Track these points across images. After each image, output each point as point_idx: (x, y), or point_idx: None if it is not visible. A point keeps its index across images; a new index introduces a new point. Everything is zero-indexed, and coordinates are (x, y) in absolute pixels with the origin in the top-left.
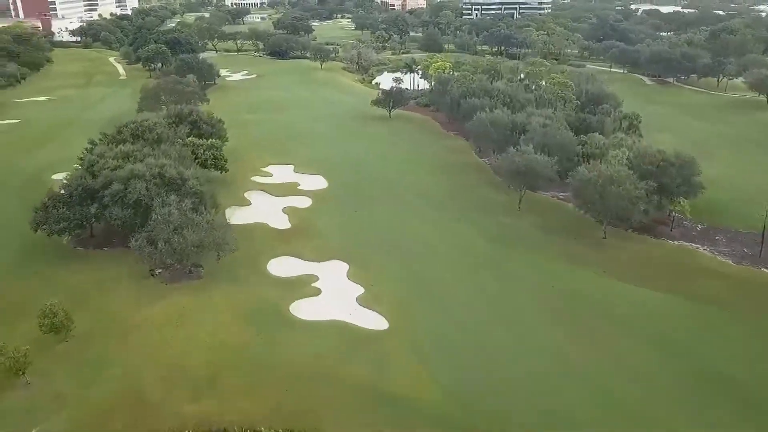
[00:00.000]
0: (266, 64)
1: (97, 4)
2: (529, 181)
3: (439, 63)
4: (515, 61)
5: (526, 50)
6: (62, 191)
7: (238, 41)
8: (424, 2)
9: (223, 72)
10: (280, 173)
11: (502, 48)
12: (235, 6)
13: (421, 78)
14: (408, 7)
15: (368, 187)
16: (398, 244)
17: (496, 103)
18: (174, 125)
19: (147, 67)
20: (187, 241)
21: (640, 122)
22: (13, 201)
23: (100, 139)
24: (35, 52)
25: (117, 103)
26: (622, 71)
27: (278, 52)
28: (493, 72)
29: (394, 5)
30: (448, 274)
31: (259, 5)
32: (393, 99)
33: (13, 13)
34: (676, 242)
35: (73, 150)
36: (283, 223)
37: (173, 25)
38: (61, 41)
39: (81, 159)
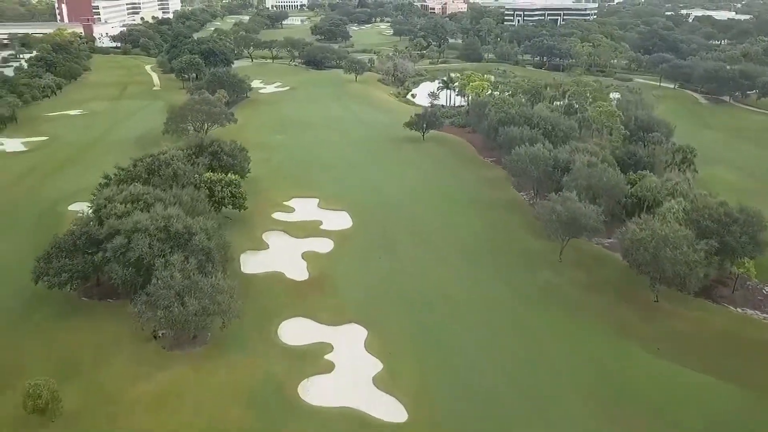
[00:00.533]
0: (300, 75)
1: (140, 8)
2: (573, 232)
3: (477, 83)
4: (558, 74)
5: (570, 61)
6: (69, 236)
7: (274, 50)
8: (465, 6)
9: (256, 83)
10: (304, 208)
11: (545, 58)
12: (275, 8)
13: (457, 95)
14: (448, 11)
15: (394, 226)
16: (422, 302)
17: (536, 134)
18: (194, 156)
19: (180, 78)
20: (188, 310)
21: (695, 156)
22: (26, 237)
23: (115, 174)
24: (74, 60)
25: (147, 119)
26: (672, 87)
27: (313, 62)
28: (534, 92)
29: (434, 9)
30: (473, 344)
31: (299, 7)
32: (427, 121)
33: (58, 18)
34: (739, 309)
35: (94, 176)
36: (300, 272)
37: (212, 29)
38: (102, 47)
39: (93, 196)
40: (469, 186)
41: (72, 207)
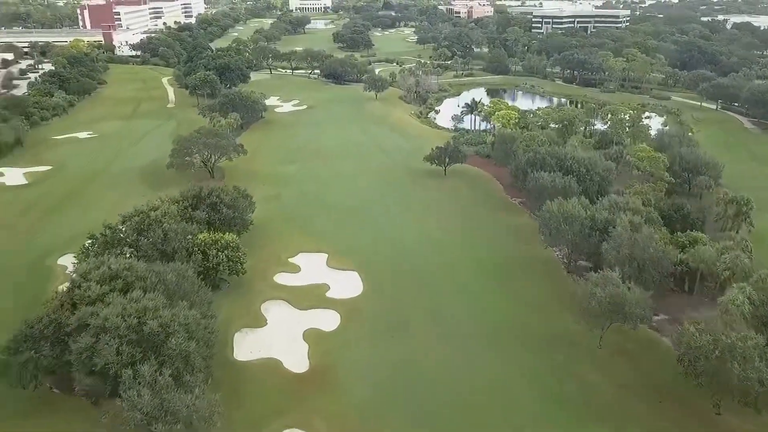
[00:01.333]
0: (319, 91)
1: (163, 13)
2: (614, 318)
3: (504, 112)
4: (590, 89)
5: (603, 75)
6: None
7: (293, 62)
8: (491, 10)
9: (272, 100)
10: (310, 267)
11: (575, 72)
12: (298, 11)
13: (482, 120)
14: (474, 15)
15: (409, 296)
16: (433, 408)
17: (570, 181)
18: (190, 209)
19: (194, 95)
20: None
21: (751, 208)
22: (8, 298)
23: (102, 234)
24: (89, 74)
25: (156, 143)
26: (714, 108)
27: (333, 75)
28: (566, 124)
29: (459, 12)
30: None
31: (322, 10)
32: (449, 155)
33: (80, 24)
34: None
35: (92, 217)
36: (300, 360)
37: (235, 34)
38: (121, 56)
39: (75, 262)
40: (495, 238)
41: (61, 260)
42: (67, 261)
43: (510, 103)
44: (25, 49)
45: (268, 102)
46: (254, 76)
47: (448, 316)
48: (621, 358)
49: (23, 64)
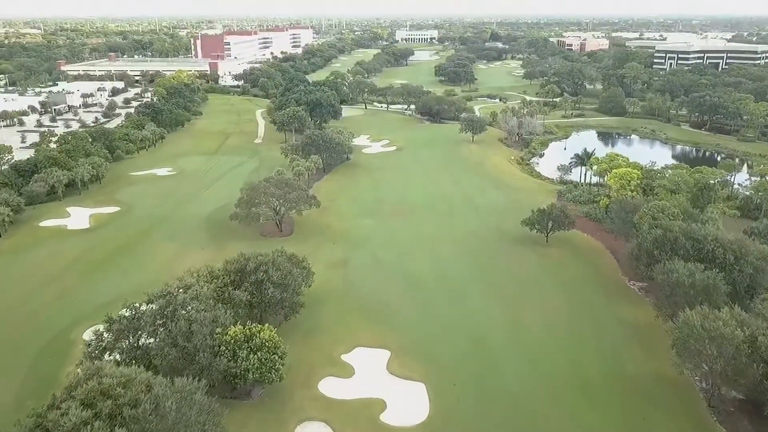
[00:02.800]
0: (412, 129)
1: (272, 43)
2: None
3: (623, 170)
4: (725, 137)
5: (740, 121)
6: None
7: (388, 97)
8: (607, 43)
9: (362, 139)
10: (367, 370)
11: (705, 117)
12: (404, 41)
13: (594, 176)
14: (587, 48)
15: (489, 427)
16: None
17: (714, 277)
18: (230, 287)
19: (283, 131)
20: None
21: None
22: (18, 377)
23: (119, 318)
24: (185, 105)
25: (232, 184)
26: None
27: (429, 113)
28: (702, 188)
29: (571, 45)
30: None
31: (428, 40)
32: (552, 220)
33: (192, 54)
34: None
35: (136, 279)
36: None
37: (338, 65)
38: (223, 86)
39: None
40: (610, 342)
41: (87, 333)
42: (92, 334)
43: (624, 150)
44: (136, 78)
45: (357, 141)
46: (349, 111)
47: None
48: None
49: (132, 92)
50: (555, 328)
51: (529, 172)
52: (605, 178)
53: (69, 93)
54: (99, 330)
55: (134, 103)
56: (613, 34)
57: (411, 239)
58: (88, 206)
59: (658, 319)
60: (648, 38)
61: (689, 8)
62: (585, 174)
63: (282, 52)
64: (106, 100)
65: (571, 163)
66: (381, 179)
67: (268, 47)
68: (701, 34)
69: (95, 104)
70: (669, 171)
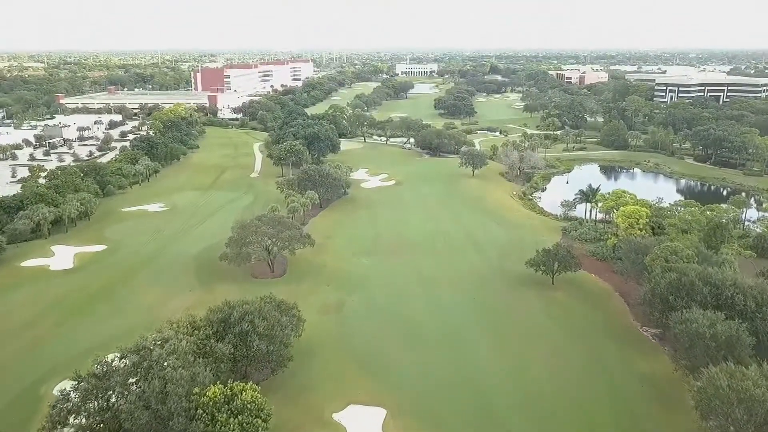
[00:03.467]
0: (412, 164)
1: (272, 76)
2: None
3: (631, 208)
4: (729, 170)
5: (745, 155)
6: None
7: (388, 130)
8: (606, 76)
9: (360, 173)
10: (359, 431)
11: (709, 150)
12: (404, 74)
13: (600, 212)
14: (586, 82)
15: None
16: None
17: (737, 328)
18: (211, 340)
19: (279, 165)
20: None
21: None
22: None
23: (87, 376)
24: (181, 139)
25: (225, 221)
26: None
27: (429, 146)
28: (715, 227)
29: (570, 79)
30: None
31: (428, 73)
32: (558, 260)
33: (192, 87)
34: None
35: (115, 325)
36: None
37: (338, 98)
38: (221, 119)
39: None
40: (625, 398)
41: (58, 387)
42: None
43: (628, 185)
44: (135, 111)
45: (355, 175)
46: (347, 144)
47: None
48: None
49: (129, 125)
50: (566, 386)
51: (531, 207)
52: (612, 215)
53: (65, 126)
54: (65, 390)
55: (131, 137)
56: (612, 67)
57: (410, 280)
58: (73, 244)
59: (677, 372)
60: (646, 71)
61: (684, 42)
62: (590, 210)
63: (282, 85)
64: (103, 133)
65: (575, 199)
66: (379, 215)
67: (268, 80)
68: (699, 68)
69: (91, 137)
70: (679, 208)
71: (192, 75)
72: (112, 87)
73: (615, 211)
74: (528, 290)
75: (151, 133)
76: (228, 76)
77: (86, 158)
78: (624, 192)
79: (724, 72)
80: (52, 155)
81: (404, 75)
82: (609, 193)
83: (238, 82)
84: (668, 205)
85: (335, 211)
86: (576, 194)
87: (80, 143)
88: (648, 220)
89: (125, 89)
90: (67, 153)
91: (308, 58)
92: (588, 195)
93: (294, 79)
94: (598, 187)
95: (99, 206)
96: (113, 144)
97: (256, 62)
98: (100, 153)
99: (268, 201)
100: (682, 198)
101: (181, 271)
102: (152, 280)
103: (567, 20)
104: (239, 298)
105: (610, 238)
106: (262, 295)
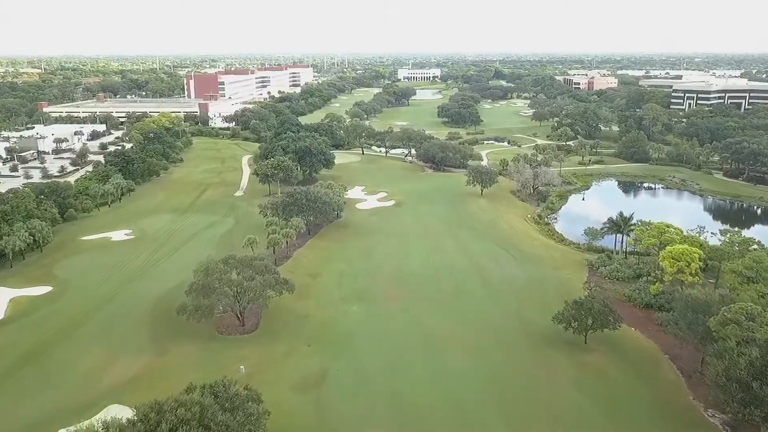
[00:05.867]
0: (413, 180)
1: (270, 82)
2: None
3: (679, 248)
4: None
5: None
6: None
7: (387, 142)
8: (615, 81)
9: (356, 191)
10: None
11: (741, 166)
12: (406, 80)
13: (634, 244)
14: (595, 87)
15: None
16: None
17: None
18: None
19: (267, 183)
20: None
21: None
22: None
23: None
24: (166, 151)
25: (198, 253)
26: None
27: (432, 159)
28: None
29: (579, 84)
30: None
31: (431, 79)
32: (593, 316)
33: (185, 94)
34: None
35: (41, 399)
36: None
37: (338, 104)
38: (211, 128)
39: None
40: None
41: None
42: None
43: (654, 205)
44: (122, 120)
45: (351, 193)
46: (344, 157)
47: None
48: None
49: (113, 136)
50: None
51: (549, 234)
52: (658, 254)
53: (40, 138)
54: None
55: (112, 148)
56: (619, 72)
57: (409, 338)
58: (12, 285)
59: None
60: (656, 76)
61: (686, 46)
62: (620, 241)
63: (279, 92)
64: (84, 144)
65: (603, 228)
66: (375, 245)
67: (265, 86)
68: (708, 72)
69: (69, 149)
70: (736, 245)
71: (185, 81)
72: (101, 94)
73: (657, 248)
74: (555, 353)
75: (128, 146)
76: (222, 83)
77: (57, 174)
78: (668, 226)
79: (735, 77)
80: (20, 170)
81: (406, 80)
82: (645, 224)
83: (234, 89)
84: (722, 241)
85: (325, 239)
86: (604, 223)
87: (55, 156)
88: (702, 262)
89: (117, 96)
90: (38, 168)
91: (309, 63)
92: (619, 225)
93: (293, 85)
94: (630, 216)
95: (57, 233)
96: (90, 157)
97: (255, 67)
98: (73, 168)
99: (250, 226)
100: (724, 226)
101: (134, 323)
102: (97, 336)
103: (568, 24)
104: (197, 361)
105: (654, 284)
106: (221, 376)
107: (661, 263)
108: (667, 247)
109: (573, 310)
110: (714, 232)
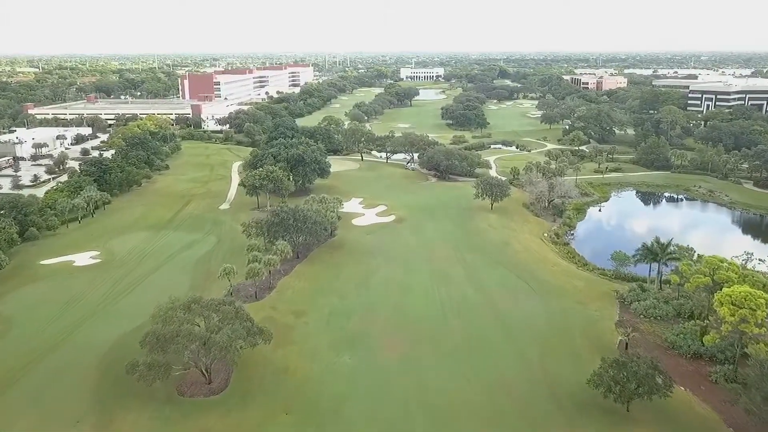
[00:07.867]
0: (415, 192)
1: (268, 82)
2: None
3: (742, 290)
4: None
5: None
6: None
7: (388, 147)
8: (625, 81)
9: (353, 204)
10: None
11: None
12: (409, 79)
13: (672, 273)
14: (605, 87)
15: None
16: None
17: None
18: None
19: (255, 195)
20: None
21: None
22: None
23: None
24: (149, 158)
25: (170, 281)
26: None
27: (436, 168)
28: None
29: (587, 84)
30: None
31: (434, 78)
32: (636, 377)
33: (180, 95)
34: None
35: None
36: None
37: (338, 105)
38: (204, 132)
39: None
40: None
41: None
42: None
43: (683, 219)
44: (110, 122)
45: (347, 206)
46: (342, 163)
47: None
48: None
49: (98, 140)
50: None
51: (569, 256)
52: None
53: (18, 143)
54: None
55: (95, 154)
56: (626, 71)
57: (409, 403)
58: None
59: None
60: (666, 75)
61: (692, 44)
62: (658, 269)
63: (278, 92)
64: (64, 150)
65: (636, 256)
66: (372, 273)
67: (263, 86)
68: (718, 71)
69: (48, 155)
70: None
71: (180, 82)
72: (92, 95)
73: (715, 298)
74: (592, 425)
75: (104, 154)
76: (218, 83)
77: (29, 184)
78: (722, 260)
79: (745, 76)
80: None
81: (409, 80)
82: (683, 249)
83: (230, 89)
84: None
85: (316, 263)
86: (637, 250)
87: (33, 163)
88: (757, 306)
89: (111, 96)
90: (11, 176)
91: (310, 62)
92: (656, 253)
93: (292, 85)
94: (668, 242)
95: (14, 256)
96: (70, 164)
97: (254, 67)
98: (48, 176)
99: (234, 246)
100: (761, 242)
101: (77, 380)
102: (32, 397)
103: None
104: None
105: (711, 335)
106: None
107: (718, 310)
108: (724, 289)
109: (612, 371)
110: (762, 259)
